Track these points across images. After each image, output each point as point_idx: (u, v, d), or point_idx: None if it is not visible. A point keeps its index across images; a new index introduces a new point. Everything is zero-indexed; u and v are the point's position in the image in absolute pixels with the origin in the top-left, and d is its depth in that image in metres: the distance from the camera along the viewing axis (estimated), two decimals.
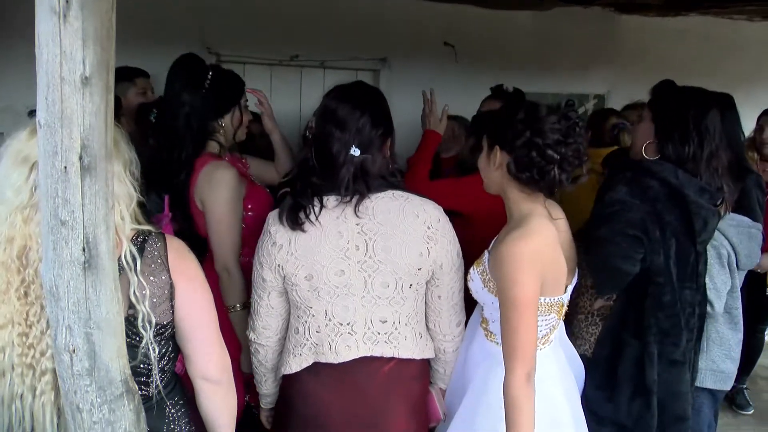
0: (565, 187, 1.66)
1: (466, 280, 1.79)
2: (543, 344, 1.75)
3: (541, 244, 1.60)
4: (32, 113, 1.16)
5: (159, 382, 1.39)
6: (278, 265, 1.65)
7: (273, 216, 1.70)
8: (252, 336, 1.78)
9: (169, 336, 1.39)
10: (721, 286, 2.17)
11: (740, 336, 2.28)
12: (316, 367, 1.69)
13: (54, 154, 1.05)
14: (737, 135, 2.39)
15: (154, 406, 1.40)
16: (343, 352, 1.66)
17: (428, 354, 1.77)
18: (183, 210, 2.15)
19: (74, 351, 1.13)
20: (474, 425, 1.72)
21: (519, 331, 1.54)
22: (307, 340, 1.68)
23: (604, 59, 4.62)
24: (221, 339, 1.44)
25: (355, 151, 1.64)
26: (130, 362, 1.27)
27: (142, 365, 1.34)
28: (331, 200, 1.66)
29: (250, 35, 3.63)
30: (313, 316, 1.67)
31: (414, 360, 1.73)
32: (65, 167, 1.05)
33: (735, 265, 2.21)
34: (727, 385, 2.30)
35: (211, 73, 2.15)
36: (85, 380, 1.14)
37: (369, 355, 1.67)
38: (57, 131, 1.04)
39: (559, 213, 1.76)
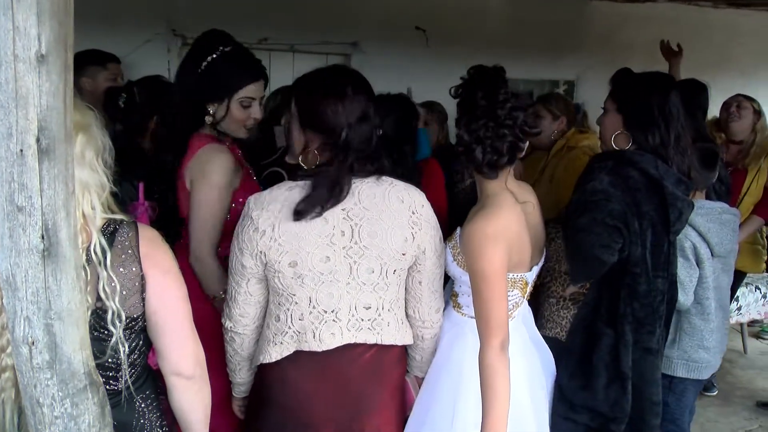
0: (495, 170, 1.71)
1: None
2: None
3: (505, 223, 1.68)
4: None
5: (128, 376, 1.34)
6: (260, 252, 1.59)
7: (255, 200, 1.63)
8: (228, 324, 1.73)
9: (140, 329, 1.34)
10: (686, 279, 2.19)
11: (713, 325, 2.29)
12: (297, 356, 1.65)
13: (9, 135, 0.99)
14: (696, 111, 2.44)
15: (124, 400, 1.35)
16: (327, 340, 1.63)
17: (408, 340, 1.76)
18: (168, 191, 2.06)
19: (33, 343, 1.07)
20: (437, 389, 1.79)
21: (490, 303, 1.62)
22: (289, 328, 1.64)
23: (574, 45, 4.65)
24: (195, 333, 1.38)
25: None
26: (98, 357, 1.22)
27: (110, 359, 1.29)
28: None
29: (217, 17, 3.49)
30: (297, 303, 1.63)
31: (395, 346, 1.73)
32: (21, 150, 0.99)
33: (704, 256, 2.22)
34: (703, 375, 2.32)
35: (213, 56, 1.98)
36: (46, 373, 1.09)
37: (352, 342, 1.66)
38: (11, 112, 0.98)
39: (529, 196, 1.84)
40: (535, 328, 1.99)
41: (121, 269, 1.27)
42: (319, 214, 1.58)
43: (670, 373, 2.30)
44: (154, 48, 3.45)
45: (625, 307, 1.93)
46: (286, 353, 1.65)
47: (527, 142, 1.77)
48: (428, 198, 1.74)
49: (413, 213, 1.67)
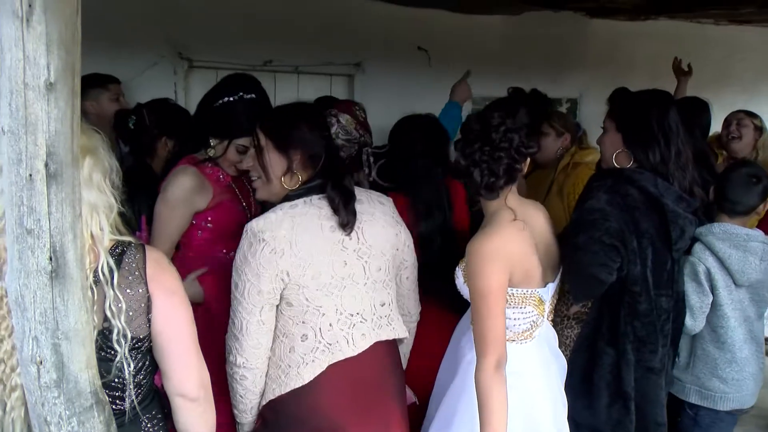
0: (494, 192, 1.76)
1: (453, 276, 1.88)
2: (525, 339, 1.81)
3: (503, 241, 1.71)
4: None
5: (134, 396, 1.34)
6: (282, 271, 1.61)
7: (263, 224, 1.63)
8: (239, 360, 1.65)
9: (146, 350, 1.35)
10: (696, 304, 2.13)
11: (732, 357, 2.19)
12: (331, 370, 1.66)
13: (18, 161, 1.03)
14: (693, 129, 2.44)
15: (129, 420, 1.36)
16: (359, 342, 1.69)
17: (405, 333, 1.85)
18: None
19: (41, 362, 1.10)
20: (458, 409, 1.80)
21: (486, 320, 1.64)
22: (320, 342, 1.66)
23: (576, 63, 4.68)
24: (200, 354, 1.39)
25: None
26: (104, 376, 1.23)
27: (117, 379, 1.30)
28: (314, 199, 1.70)
29: (222, 41, 3.60)
30: (324, 314, 1.66)
31: (401, 339, 1.83)
32: (30, 174, 1.03)
33: (720, 283, 2.14)
34: (719, 405, 2.22)
35: (231, 98, 2.05)
36: (53, 392, 1.12)
37: (378, 340, 1.73)
38: (21, 138, 1.02)
39: (535, 212, 1.86)
40: (559, 350, 1.98)
41: (128, 290, 1.29)
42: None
43: (683, 397, 2.26)
44: (160, 71, 3.51)
45: (625, 326, 1.93)
46: (319, 370, 1.65)
47: (527, 161, 1.79)
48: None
49: (393, 212, 1.83)
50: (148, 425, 1.40)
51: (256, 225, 1.64)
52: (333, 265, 1.66)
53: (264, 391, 1.71)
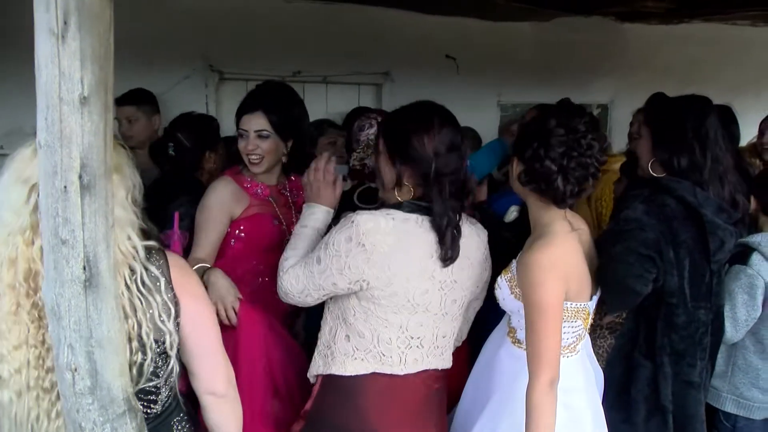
0: (573, 200, 1.70)
1: (492, 288, 1.84)
2: (570, 353, 1.78)
3: (562, 252, 1.67)
4: None
5: (165, 399, 1.39)
6: (363, 280, 1.60)
7: (372, 226, 1.60)
8: (284, 289, 1.71)
9: (175, 353, 1.38)
10: (742, 318, 2.08)
11: None
12: (373, 377, 1.67)
13: (54, 173, 1.06)
14: (733, 137, 2.37)
15: (161, 423, 1.40)
16: (411, 365, 1.69)
17: (451, 363, 1.84)
18: None
19: (76, 369, 1.13)
20: (499, 426, 1.76)
21: (543, 336, 1.59)
22: (374, 347, 1.66)
23: (607, 68, 4.62)
24: (225, 353, 1.45)
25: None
26: (138, 380, 1.27)
27: (149, 383, 1.34)
28: (425, 221, 1.66)
29: (252, 52, 3.66)
30: (387, 327, 1.66)
31: (447, 369, 1.81)
32: (65, 186, 1.06)
33: None
34: (754, 414, 2.20)
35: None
36: (87, 399, 1.14)
37: (428, 368, 1.73)
38: (56, 151, 1.05)
39: (581, 224, 1.83)
40: (595, 358, 1.94)
41: (157, 295, 1.32)
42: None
43: (717, 405, 2.22)
44: (192, 84, 3.58)
45: (662, 339, 1.89)
46: (362, 372, 1.66)
47: None
48: None
49: (486, 248, 1.79)
50: (178, 427, 1.44)
51: (363, 224, 1.59)
52: (414, 291, 1.63)
53: (310, 363, 1.77)
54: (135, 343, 1.28)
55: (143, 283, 1.30)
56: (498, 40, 4.25)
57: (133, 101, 2.98)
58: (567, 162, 1.64)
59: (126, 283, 1.27)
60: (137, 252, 1.29)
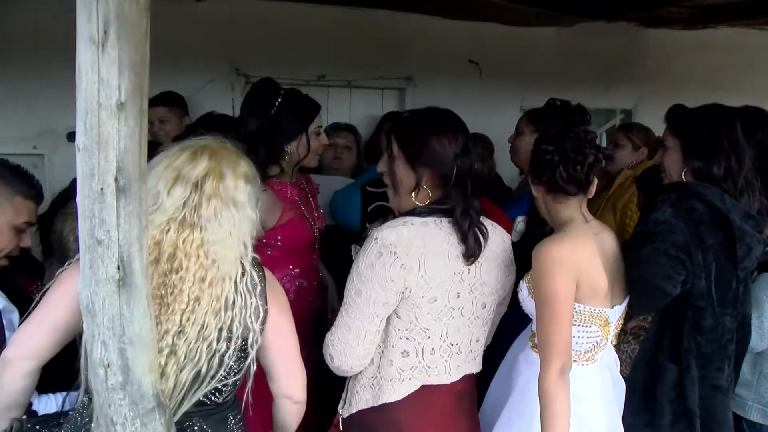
0: (579, 189, 1.75)
1: (515, 290, 1.87)
2: (586, 360, 1.79)
3: (574, 246, 1.69)
4: (70, 135, 1.19)
5: (227, 394, 1.50)
6: (406, 288, 1.61)
7: (395, 237, 1.60)
8: (344, 367, 1.65)
9: (248, 354, 1.48)
10: None
11: None
12: (422, 392, 1.68)
13: (91, 176, 1.10)
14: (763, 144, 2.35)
15: (220, 414, 1.51)
16: (455, 372, 1.72)
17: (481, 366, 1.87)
18: None
19: (108, 365, 1.16)
20: (513, 427, 1.79)
21: (551, 325, 1.63)
22: (419, 362, 1.67)
23: (630, 74, 4.59)
24: (302, 362, 1.57)
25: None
26: (217, 370, 1.40)
27: (224, 379, 1.45)
28: (444, 221, 1.67)
29: (277, 56, 3.70)
30: (429, 337, 1.67)
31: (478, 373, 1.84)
32: (102, 188, 1.10)
33: None
34: None
35: (280, 100, 2.16)
36: (119, 394, 1.18)
37: (467, 373, 1.76)
38: (94, 154, 1.09)
39: (603, 230, 1.85)
40: (620, 377, 1.94)
41: (251, 300, 1.45)
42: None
43: (742, 414, 2.18)
44: (218, 87, 3.63)
45: (689, 342, 1.88)
46: (413, 389, 1.68)
47: (594, 182, 1.79)
48: None
49: (510, 252, 1.80)
50: (233, 422, 1.55)
51: (388, 237, 1.60)
52: (449, 294, 1.65)
53: (350, 399, 1.73)
54: (224, 333, 1.40)
55: (247, 284, 1.43)
56: (521, 45, 4.25)
57: (164, 103, 3.08)
58: (564, 145, 1.72)
59: (236, 280, 1.41)
60: (248, 255, 1.45)
